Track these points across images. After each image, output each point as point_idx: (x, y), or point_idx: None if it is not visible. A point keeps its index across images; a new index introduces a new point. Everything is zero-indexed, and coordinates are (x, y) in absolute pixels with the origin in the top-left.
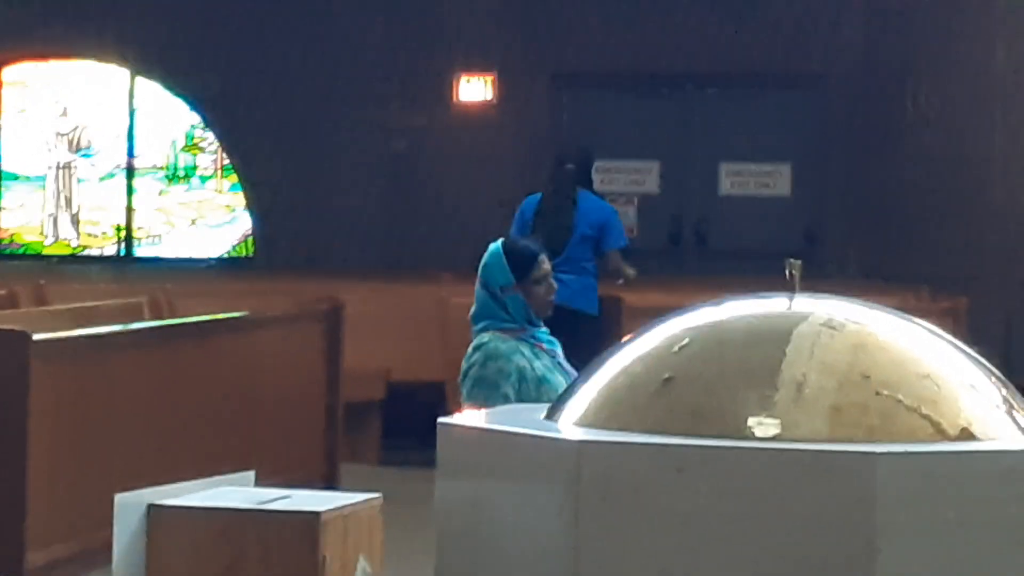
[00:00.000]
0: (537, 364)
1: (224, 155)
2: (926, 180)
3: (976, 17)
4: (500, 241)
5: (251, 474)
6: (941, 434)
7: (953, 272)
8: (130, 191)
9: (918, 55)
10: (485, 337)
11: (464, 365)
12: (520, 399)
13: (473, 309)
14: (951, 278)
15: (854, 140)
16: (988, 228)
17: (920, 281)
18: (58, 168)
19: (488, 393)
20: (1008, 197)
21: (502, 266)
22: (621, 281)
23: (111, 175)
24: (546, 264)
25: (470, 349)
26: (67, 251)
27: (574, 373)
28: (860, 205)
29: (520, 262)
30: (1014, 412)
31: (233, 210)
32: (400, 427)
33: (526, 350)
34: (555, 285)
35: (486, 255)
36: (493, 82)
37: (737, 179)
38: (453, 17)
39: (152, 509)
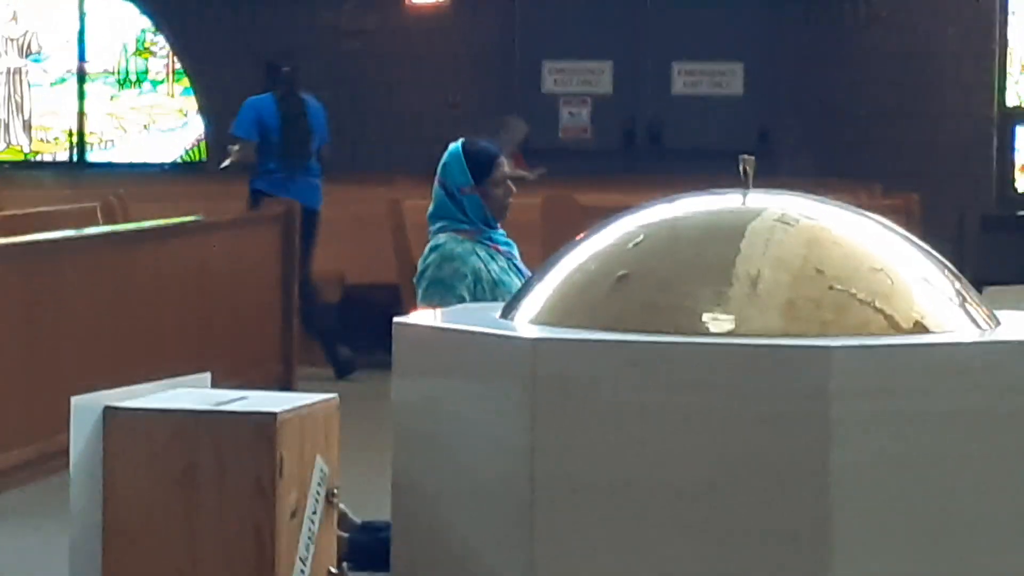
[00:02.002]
0: (493, 266)
1: (175, 59)
2: (879, 78)
3: None
4: (460, 142)
5: (207, 376)
6: (895, 327)
7: (906, 170)
8: (82, 96)
9: None
10: (442, 238)
11: (420, 265)
12: (475, 301)
13: (430, 209)
14: (904, 176)
15: (807, 38)
16: (940, 125)
17: (873, 179)
18: (9, 73)
19: (443, 294)
20: (960, 94)
21: (461, 167)
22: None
23: (62, 80)
24: (504, 167)
25: (427, 250)
26: (19, 157)
27: (529, 274)
28: (813, 103)
29: (479, 164)
30: (966, 305)
31: (185, 114)
32: (355, 330)
33: (482, 252)
34: (513, 188)
35: (445, 155)
36: None
37: (689, 78)
38: None
39: (108, 411)
